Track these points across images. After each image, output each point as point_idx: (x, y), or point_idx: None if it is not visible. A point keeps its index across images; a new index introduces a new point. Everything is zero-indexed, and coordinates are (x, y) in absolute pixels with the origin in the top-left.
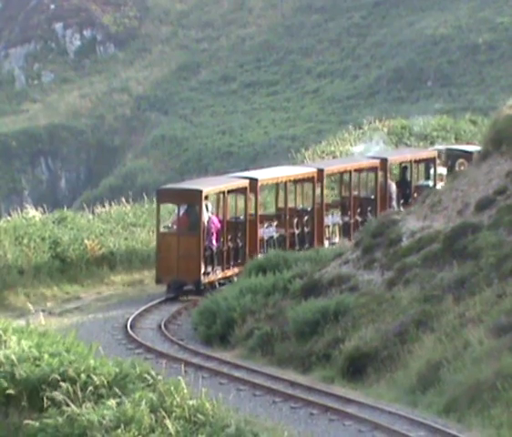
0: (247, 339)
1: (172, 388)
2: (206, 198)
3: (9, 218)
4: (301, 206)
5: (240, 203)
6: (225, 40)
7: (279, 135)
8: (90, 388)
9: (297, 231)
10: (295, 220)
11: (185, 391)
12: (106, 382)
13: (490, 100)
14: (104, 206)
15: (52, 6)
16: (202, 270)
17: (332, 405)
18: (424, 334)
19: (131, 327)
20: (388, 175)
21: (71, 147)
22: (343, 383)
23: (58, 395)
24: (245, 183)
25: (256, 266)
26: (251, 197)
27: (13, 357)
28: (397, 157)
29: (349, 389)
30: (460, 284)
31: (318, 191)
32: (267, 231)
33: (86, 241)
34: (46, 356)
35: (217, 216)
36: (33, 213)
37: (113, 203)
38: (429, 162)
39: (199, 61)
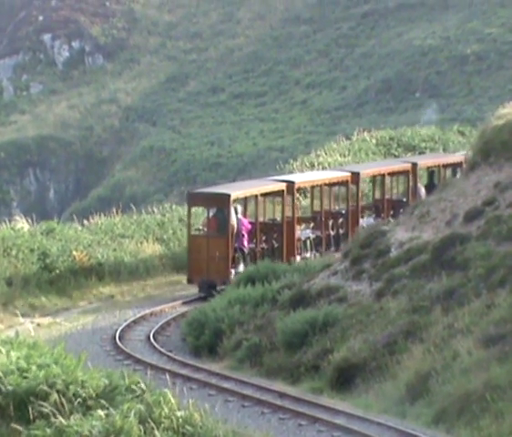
0: (235, 350)
1: (161, 399)
2: (235, 201)
3: None
4: (336, 208)
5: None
6: (213, 51)
7: (267, 146)
8: (78, 399)
9: (332, 233)
10: (330, 222)
11: (173, 402)
12: (94, 394)
13: (478, 111)
14: (92, 217)
15: (40, 18)
16: (231, 271)
17: (321, 416)
18: (412, 345)
19: (120, 338)
20: (417, 178)
21: (60, 158)
22: (331, 394)
23: (46, 407)
24: (282, 186)
25: (244, 277)
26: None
27: (0, 368)
28: (426, 161)
29: (338, 400)
30: (449, 295)
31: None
32: (304, 233)
33: (74, 253)
34: (33, 368)
35: (246, 217)
36: (21, 224)
37: (101, 214)
38: (456, 167)
39: (188, 72)
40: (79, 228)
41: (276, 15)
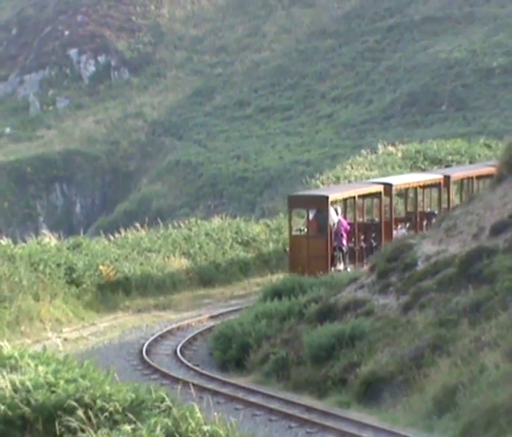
0: (262, 364)
1: (187, 413)
2: (333, 203)
3: (24, 244)
4: (428, 209)
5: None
6: (239, 65)
7: (293, 159)
8: (105, 414)
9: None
10: (424, 222)
11: (200, 416)
12: (121, 408)
13: (505, 124)
14: (119, 231)
15: (66, 32)
16: (331, 269)
17: (348, 430)
18: (439, 358)
19: (147, 352)
20: None
21: (86, 172)
22: (358, 408)
23: (73, 421)
24: (380, 188)
25: (271, 291)
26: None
27: (29, 383)
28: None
29: (365, 413)
30: (475, 308)
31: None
32: (400, 232)
33: (101, 267)
34: (61, 382)
35: (346, 218)
36: (48, 239)
37: (128, 228)
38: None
39: (214, 86)
40: (106, 242)
41: (302, 28)
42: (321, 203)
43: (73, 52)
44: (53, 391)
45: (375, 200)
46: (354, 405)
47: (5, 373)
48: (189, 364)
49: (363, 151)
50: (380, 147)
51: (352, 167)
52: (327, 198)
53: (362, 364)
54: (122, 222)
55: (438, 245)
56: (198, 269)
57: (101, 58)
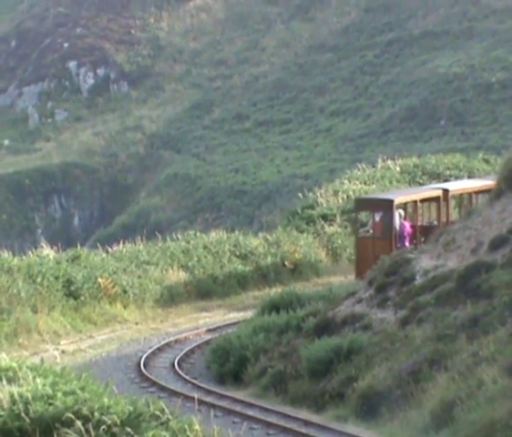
0: (260, 377)
1: (186, 426)
2: (398, 206)
3: (23, 256)
4: None
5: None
6: (238, 79)
7: (292, 173)
8: (103, 426)
9: None
10: None
11: (198, 429)
12: (119, 421)
13: (503, 139)
14: (117, 244)
15: (66, 45)
16: None
17: None
18: (437, 373)
19: (144, 365)
20: None
21: (84, 185)
22: (356, 422)
23: (72, 434)
24: (439, 193)
25: (269, 304)
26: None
27: (27, 394)
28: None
29: (362, 428)
30: (474, 323)
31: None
32: None
33: (99, 280)
34: (59, 394)
35: (409, 221)
36: (47, 251)
37: (126, 241)
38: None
39: (213, 99)
40: (104, 255)
41: (301, 42)
42: (386, 206)
43: (72, 64)
44: (51, 404)
45: (434, 204)
46: (352, 419)
47: (3, 385)
48: (187, 377)
49: (361, 165)
50: (379, 161)
51: (349, 182)
52: (392, 201)
53: (359, 378)
54: (120, 235)
55: (436, 259)
56: (196, 282)
57: (100, 71)
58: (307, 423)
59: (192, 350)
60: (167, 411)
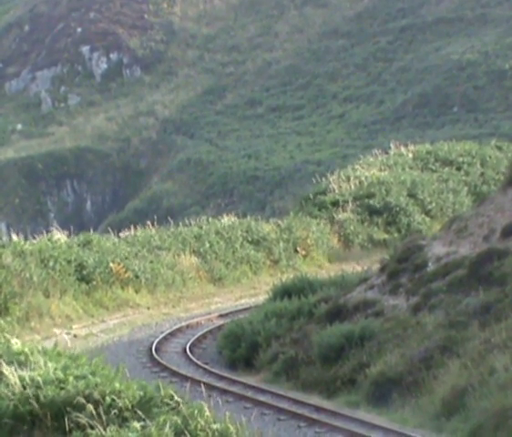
0: (272, 363)
1: (196, 411)
2: None
3: (35, 240)
4: None
5: None
6: (251, 64)
7: (304, 159)
8: (115, 411)
9: None
10: None
11: (209, 414)
12: (130, 405)
13: None
14: (129, 229)
15: (79, 30)
16: None
17: (358, 430)
18: (449, 360)
19: (156, 350)
20: None
21: (97, 169)
22: (368, 409)
23: (83, 418)
24: None
25: (281, 290)
26: None
27: (38, 379)
28: None
29: (374, 414)
30: (486, 310)
31: None
32: None
33: (111, 264)
34: (71, 378)
35: None
36: (58, 236)
37: (138, 226)
38: None
39: (225, 85)
40: (116, 239)
41: (314, 28)
42: None
43: (85, 49)
44: (62, 388)
45: None
46: (364, 406)
47: (14, 369)
48: (199, 362)
49: (374, 151)
50: (392, 147)
51: (362, 168)
52: None
53: (371, 365)
54: (132, 220)
55: (449, 246)
56: (208, 268)
57: (113, 56)
58: (318, 409)
59: (204, 336)
60: (176, 396)
